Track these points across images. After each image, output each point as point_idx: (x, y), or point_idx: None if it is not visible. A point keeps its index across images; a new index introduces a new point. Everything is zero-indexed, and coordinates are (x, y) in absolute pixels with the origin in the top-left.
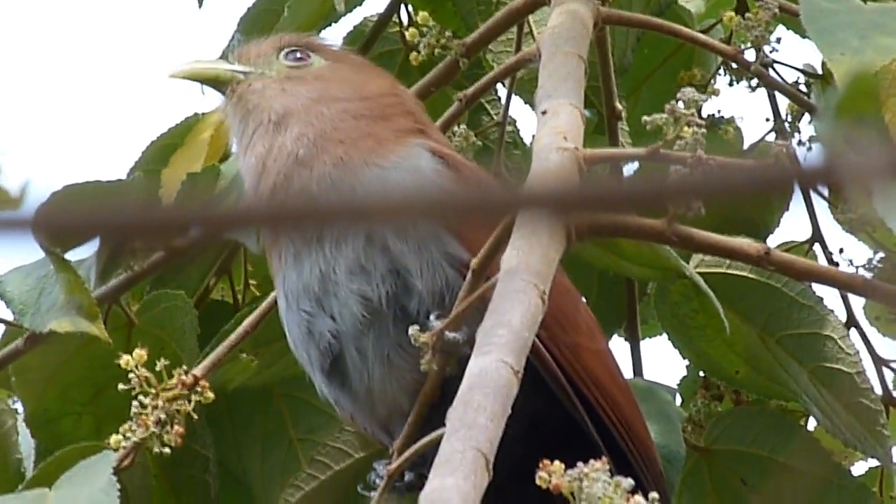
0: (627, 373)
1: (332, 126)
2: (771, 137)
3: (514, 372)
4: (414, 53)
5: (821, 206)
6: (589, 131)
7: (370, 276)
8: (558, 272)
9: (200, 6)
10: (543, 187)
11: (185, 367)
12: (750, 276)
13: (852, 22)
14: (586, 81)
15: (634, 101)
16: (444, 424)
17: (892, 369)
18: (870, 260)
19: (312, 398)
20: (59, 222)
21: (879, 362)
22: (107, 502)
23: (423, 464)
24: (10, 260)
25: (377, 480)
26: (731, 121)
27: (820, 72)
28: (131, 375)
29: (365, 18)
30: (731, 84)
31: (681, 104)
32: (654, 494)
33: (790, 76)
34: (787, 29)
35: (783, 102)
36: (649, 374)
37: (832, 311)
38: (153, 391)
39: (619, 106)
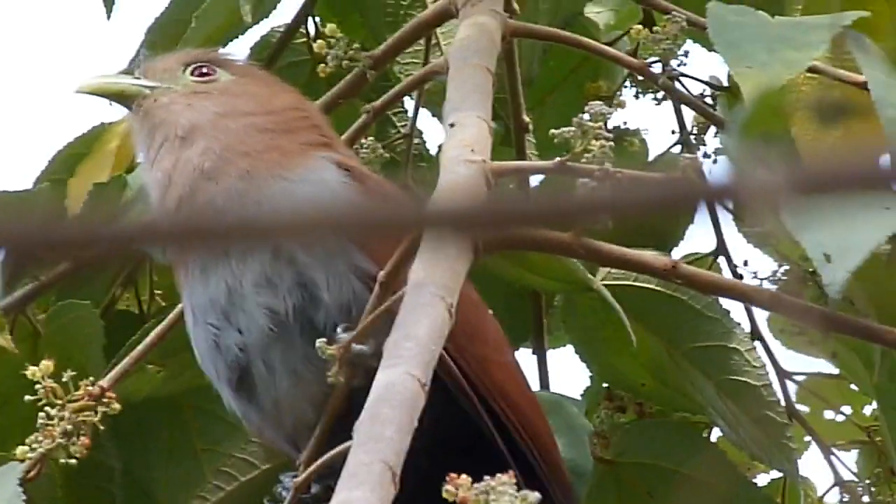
0: (534, 385)
1: (238, 140)
2: (677, 150)
3: (420, 385)
4: (322, 65)
5: (726, 219)
6: (496, 143)
7: (277, 289)
8: (465, 285)
9: (109, 17)
10: (450, 204)
11: (91, 379)
12: (657, 288)
13: (760, 35)
14: (493, 94)
15: (541, 113)
16: (350, 437)
17: (795, 382)
18: (774, 272)
19: (218, 409)
20: None
21: (783, 375)
22: None
23: (329, 476)
24: None
25: (283, 493)
26: (636, 133)
27: (726, 84)
28: (38, 386)
29: (272, 29)
30: (637, 96)
31: (588, 117)
32: None
33: (696, 88)
34: (695, 42)
35: (689, 114)
36: (555, 384)
37: (738, 323)
38: (60, 402)
39: (525, 118)
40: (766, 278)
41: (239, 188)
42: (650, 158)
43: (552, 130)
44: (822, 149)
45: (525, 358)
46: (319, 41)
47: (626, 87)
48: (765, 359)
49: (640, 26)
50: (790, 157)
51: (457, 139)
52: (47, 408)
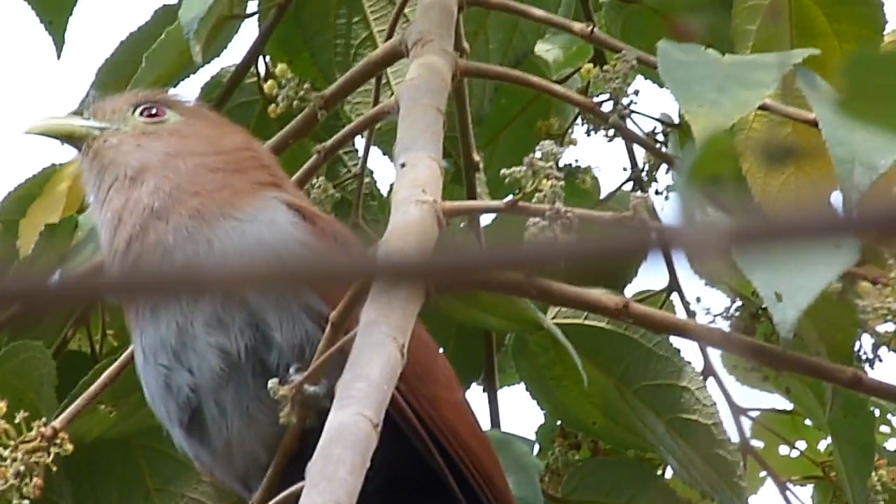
0: (485, 423)
1: (189, 179)
2: (628, 187)
3: (373, 425)
4: (272, 105)
5: (678, 257)
6: (446, 182)
7: (228, 329)
8: (416, 324)
9: (59, 57)
10: (400, 253)
11: (44, 419)
12: (607, 327)
13: (710, 74)
14: (444, 133)
15: (492, 151)
16: (303, 478)
17: (749, 417)
18: (727, 308)
19: (170, 449)
20: None
21: (737, 411)
22: None
23: None
24: None
25: None
26: (588, 170)
27: (677, 121)
28: None
29: (222, 69)
30: (588, 133)
31: (539, 156)
32: None
33: (648, 125)
34: (646, 78)
35: (641, 152)
36: (507, 421)
37: (689, 362)
38: (12, 443)
39: (476, 157)
40: (718, 314)
41: (189, 227)
42: (602, 196)
43: (503, 170)
44: (772, 189)
45: (476, 396)
46: (270, 81)
47: (577, 124)
48: (718, 395)
49: (590, 65)
50: (741, 199)
51: (408, 179)
52: (0, 448)
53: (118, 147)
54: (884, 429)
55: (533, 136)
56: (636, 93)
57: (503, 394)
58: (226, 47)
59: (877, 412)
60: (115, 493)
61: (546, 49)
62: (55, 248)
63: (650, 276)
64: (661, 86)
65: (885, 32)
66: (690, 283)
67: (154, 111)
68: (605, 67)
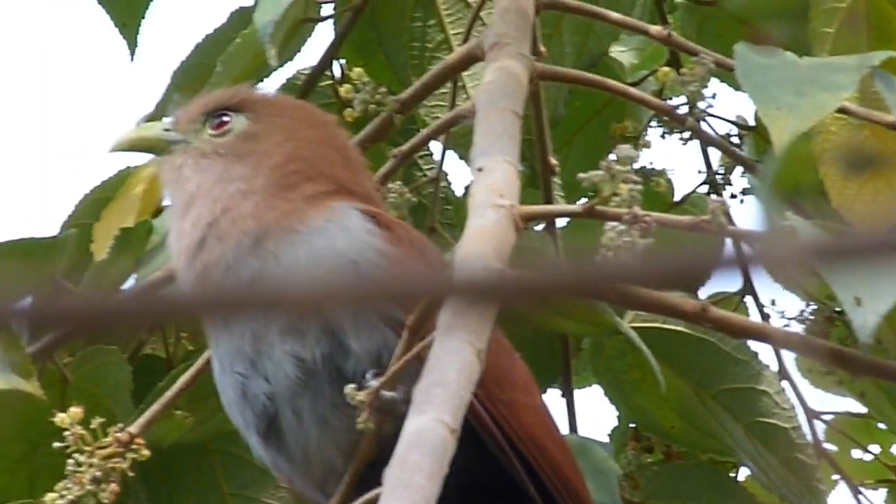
0: (563, 427)
1: (237, 202)
2: (703, 189)
3: (450, 431)
4: (348, 109)
5: (757, 270)
6: (522, 185)
7: (304, 336)
8: (493, 329)
9: (132, 60)
10: (476, 274)
11: (120, 425)
12: (685, 330)
13: (788, 77)
14: (521, 136)
15: (566, 154)
16: (380, 484)
17: (823, 421)
18: (802, 312)
19: (246, 454)
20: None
21: (811, 414)
22: None
23: None
24: None
25: None
26: (662, 173)
27: (752, 124)
28: (67, 433)
29: (297, 72)
30: (663, 136)
31: (616, 160)
32: None
33: (723, 128)
34: (721, 81)
35: (715, 154)
36: (582, 424)
37: (767, 365)
38: (88, 449)
39: (552, 160)
40: (793, 318)
41: (247, 243)
42: (676, 198)
43: (580, 174)
44: (850, 193)
45: (553, 400)
46: (346, 85)
47: (651, 126)
48: (793, 398)
49: (667, 68)
50: (820, 206)
51: (485, 183)
52: (76, 454)
53: (180, 170)
54: None
55: (607, 139)
56: (713, 96)
57: (577, 396)
58: (300, 50)
59: None
60: (190, 499)
61: (620, 51)
62: (130, 253)
63: (724, 280)
64: (737, 89)
65: None
66: (765, 286)
67: (224, 118)
68: (681, 70)
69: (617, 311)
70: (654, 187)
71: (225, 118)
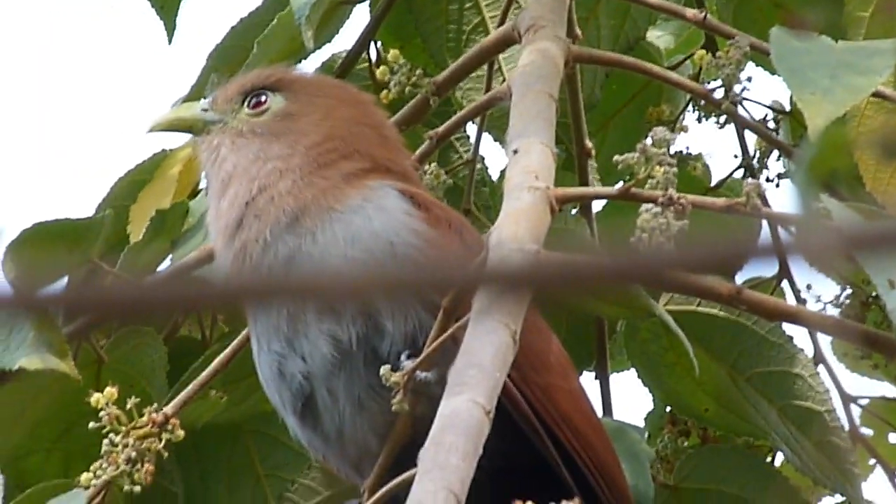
0: (598, 410)
1: (274, 181)
2: (739, 174)
3: (485, 412)
4: (384, 91)
5: (788, 242)
6: (558, 168)
7: (340, 316)
8: (529, 311)
9: (170, 42)
10: (510, 265)
11: (155, 406)
12: (719, 314)
13: (823, 61)
14: (556, 119)
15: (602, 138)
16: (415, 465)
17: (859, 405)
18: (837, 296)
19: (280, 435)
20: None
21: (847, 399)
22: None
23: (394, 503)
24: None
25: None
26: (699, 157)
27: (788, 108)
28: (102, 413)
29: (333, 55)
30: (699, 120)
31: (651, 143)
32: None
33: (759, 112)
34: (757, 65)
35: (752, 138)
36: (617, 407)
37: (802, 349)
38: (123, 429)
39: (588, 143)
40: (829, 302)
41: (284, 222)
42: (713, 183)
43: (615, 157)
44: (884, 177)
45: (588, 382)
46: (382, 67)
47: (688, 111)
48: (828, 382)
49: (703, 51)
50: (856, 191)
51: (521, 166)
52: (111, 434)
53: (217, 149)
54: None
55: (643, 123)
56: (749, 79)
57: (613, 380)
58: (337, 33)
59: None
60: (225, 479)
61: (657, 35)
62: (165, 234)
63: (760, 265)
64: (773, 73)
65: None
66: (801, 270)
67: (262, 98)
68: (717, 54)
69: (651, 293)
70: (690, 171)
71: (262, 98)
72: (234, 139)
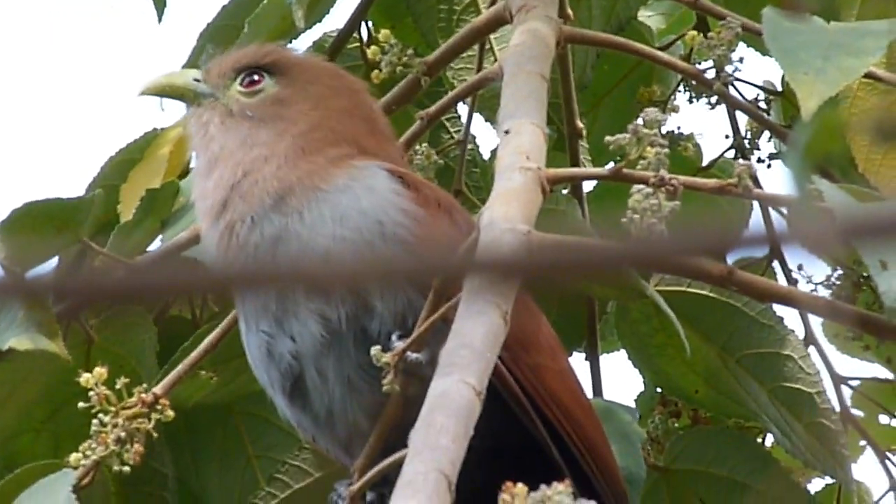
0: (588, 392)
1: (259, 166)
2: (730, 154)
3: (476, 393)
4: (375, 71)
5: (780, 224)
6: (549, 149)
7: (329, 296)
8: (520, 292)
9: (160, 21)
10: (495, 254)
11: (145, 386)
12: (710, 295)
13: (816, 42)
14: (547, 99)
15: (594, 118)
16: (405, 445)
17: (850, 387)
18: (829, 277)
19: (271, 415)
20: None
21: (838, 380)
22: None
23: (384, 484)
24: None
25: (338, 501)
26: (690, 137)
27: (780, 89)
28: (91, 393)
29: (325, 34)
30: (690, 101)
31: (643, 123)
32: None
33: (750, 93)
34: (748, 45)
35: (743, 119)
36: (607, 388)
37: (792, 330)
38: (113, 409)
39: (579, 124)
40: (820, 283)
41: (269, 202)
42: (704, 163)
43: (607, 137)
44: (876, 158)
45: (578, 363)
46: (373, 47)
47: (679, 91)
48: (819, 364)
49: (694, 32)
50: (850, 173)
51: (512, 146)
52: (101, 415)
53: (206, 126)
54: None
55: (635, 104)
56: (740, 60)
57: (604, 361)
58: (328, 12)
59: None
60: (215, 460)
61: (648, 16)
62: (156, 214)
63: (751, 246)
64: (765, 54)
65: None
66: (792, 251)
67: (255, 77)
68: (709, 35)
69: (642, 274)
70: (681, 152)
71: (256, 77)
72: (224, 119)
